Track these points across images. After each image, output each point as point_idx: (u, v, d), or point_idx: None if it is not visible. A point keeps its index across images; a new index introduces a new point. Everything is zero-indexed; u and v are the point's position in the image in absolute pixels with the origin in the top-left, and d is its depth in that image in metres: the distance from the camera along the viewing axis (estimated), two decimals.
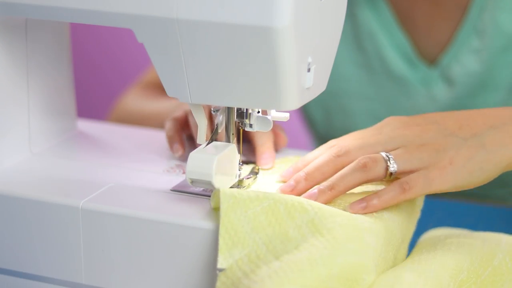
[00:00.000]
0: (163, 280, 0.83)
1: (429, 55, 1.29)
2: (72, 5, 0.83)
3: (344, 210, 0.83)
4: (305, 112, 1.41)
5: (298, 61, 0.79)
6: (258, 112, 0.87)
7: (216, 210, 0.82)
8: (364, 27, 1.29)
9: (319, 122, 1.39)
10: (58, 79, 0.99)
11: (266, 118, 0.87)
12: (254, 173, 0.92)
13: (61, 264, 0.86)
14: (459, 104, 1.28)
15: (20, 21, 0.92)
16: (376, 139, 0.87)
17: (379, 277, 0.81)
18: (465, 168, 0.85)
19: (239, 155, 0.88)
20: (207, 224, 0.81)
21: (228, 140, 0.87)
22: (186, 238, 0.81)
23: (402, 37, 1.28)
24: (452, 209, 1.12)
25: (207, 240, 0.81)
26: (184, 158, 0.95)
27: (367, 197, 0.84)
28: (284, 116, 0.88)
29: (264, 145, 0.94)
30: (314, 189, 0.85)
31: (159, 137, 1.03)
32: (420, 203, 0.91)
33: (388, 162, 0.85)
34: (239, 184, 0.89)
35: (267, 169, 0.94)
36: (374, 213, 0.84)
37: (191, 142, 0.99)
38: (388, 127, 0.89)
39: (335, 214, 0.80)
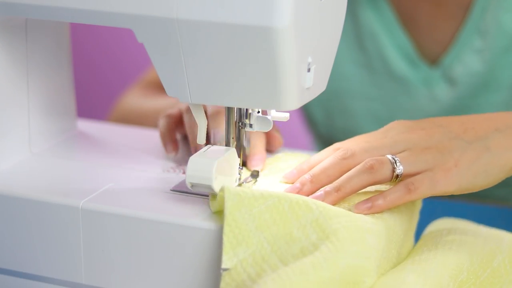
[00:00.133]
0: (163, 280, 0.83)
1: (431, 55, 1.28)
2: (72, 5, 0.83)
3: (350, 210, 0.83)
4: (306, 112, 1.41)
5: (298, 61, 0.79)
6: (258, 112, 0.87)
7: (216, 214, 0.82)
8: (365, 27, 1.29)
9: (320, 122, 1.39)
10: (58, 79, 0.99)
11: (266, 118, 0.87)
12: (254, 176, 0.91)
13: (61, 264, 0.86)
14: (461, 104, 1.28)
15: (20, 21, 0.92)
16: (381, 142, 0.87)
17: (380, 279, 0.81)
18: (470, 171, 0.85)
19: (239, 159, 0.88)
20: (207, 224, 0.81)
21: (228, 144, 0.87)
22: (186, 238, 0.81)
23: (404, 37, 1.28)
24: (453, 209, 1.12)
25: (207, 240, 0.81)
26: (181, 158, 0.95)
27: (372, 197, 0.84)
28: (284, 116, 0.88)
29: (255, 147, 0.94)
30: (321, 191, 0.85)
31: (159, 137, 1.02)
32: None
33: (395, 164, 0.85)
34: None
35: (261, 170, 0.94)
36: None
37: (185, 141, 0.99)
38: (393, 131, 0.89)
39: (340, 215, 0.80)
